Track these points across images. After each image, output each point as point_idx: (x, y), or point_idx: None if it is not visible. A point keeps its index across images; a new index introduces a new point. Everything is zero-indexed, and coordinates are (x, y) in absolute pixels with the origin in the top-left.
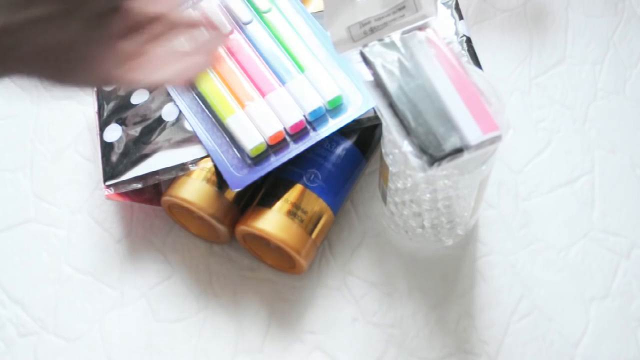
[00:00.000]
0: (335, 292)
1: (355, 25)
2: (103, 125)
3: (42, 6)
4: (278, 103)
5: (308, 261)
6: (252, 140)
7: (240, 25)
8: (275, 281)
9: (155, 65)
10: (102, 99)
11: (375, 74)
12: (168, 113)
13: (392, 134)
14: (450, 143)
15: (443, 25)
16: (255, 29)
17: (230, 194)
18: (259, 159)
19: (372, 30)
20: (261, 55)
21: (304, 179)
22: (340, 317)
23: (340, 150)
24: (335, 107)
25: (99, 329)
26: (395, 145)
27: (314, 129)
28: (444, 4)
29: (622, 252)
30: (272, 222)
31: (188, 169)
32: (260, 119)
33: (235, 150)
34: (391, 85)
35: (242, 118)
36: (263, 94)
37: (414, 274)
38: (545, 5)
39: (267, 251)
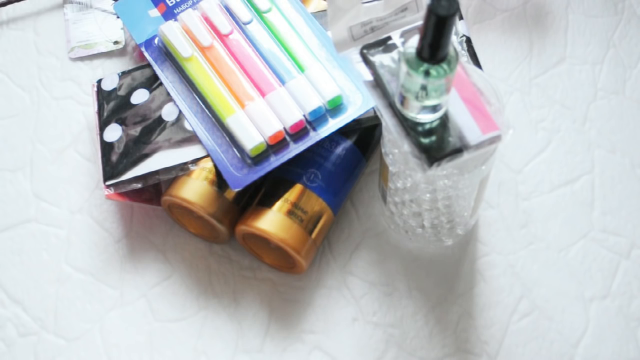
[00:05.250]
0: (335, 292)
1: (357, 25)
2: (103, 125)
3: None
4: (278, 103)
5: (308, 261)
6: (252, 140)
7: (240, 25)
8: (275, 281)
9: None
10: (102, 98)
11: (375, 74)
12: (168, 113)
13: (392, 134)
14: (450, 143)
15: None
16: (255, 29)
17: (230, 193)
18: (259, 158)
19: (373, 29)
20: (261, 55)
21: (304, 178)
22: (340, 317)
23: (340, 150)
24: (335, 107)
25: (99, 329)
26: (395, 145)
27: (314, 129)
28: None
29: (622, 252)
30: (272, 222)
31: (188, 168)
32: (260, 119)
33: (235, 150)
34: (391, 85)
35: (242, 118)
36: (263, 94)
37: (414, 274)
38: (545, 5)
39: (267, 251)
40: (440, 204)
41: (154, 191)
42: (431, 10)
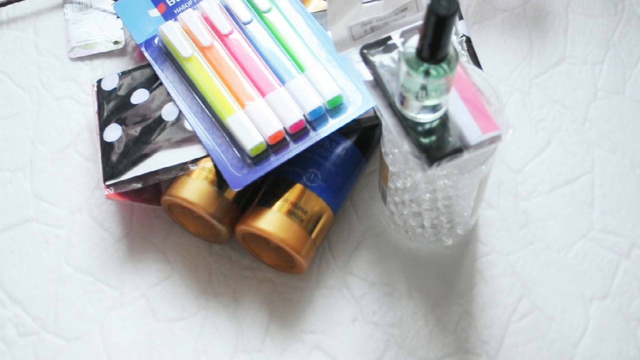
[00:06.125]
0: (335, 292)
1: (357, 25)
2: (103, 125)
3: None
4: (278, 103)
5: (308, 261)
6: (252, 140)
7: (240, 25)
8: (275, 281)
9: None
10: (102, 98)
11: (375, 74)
12: (168, 113)
13: (392, 134)
14: (450, 143)
15: None
16: (255, 29)
17: (230, 193)
18: (259, 158)
19: (373, 29)
20: (261, 55)
21: (304, 178)
22: (340, 317)
23: (340, 150)
24: (335, 107)
25: (99, 329)
26: (395, 145)
27: (314, 129)
28: None
29: (622, 252)
30: (272, 221)
31: (188, 168)
32: (260, 119)
33: (235, 150)
34: (391, 85)
35: (242, 118)
36: (263, 94)
37: (414, 274)
38: (545, 5)
39: (267, 251)
40: (440, 204)
41: (154, 191)
42: (431, 10)
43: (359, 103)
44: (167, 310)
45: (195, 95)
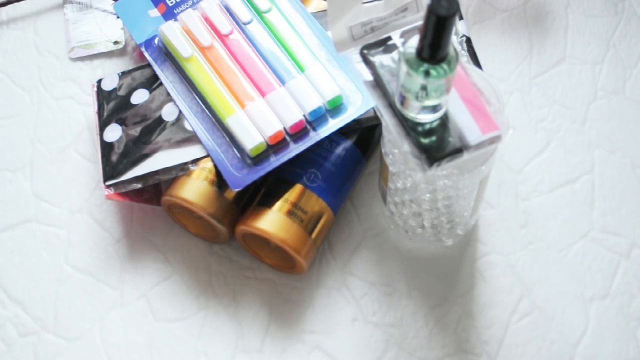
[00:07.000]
0: (335, 292)
1: (357, 25)
2: (103, 125)
3: None
4: (278, 103)
5: (308, 261)
6: (252, 140)
7: (240, 25)
8: (275, 281)
9: None
10: (102, 98)
11: (375, 74)
12: (168, 113)
13: (392, 134)
14: (450, 143)
15: None
16: (255, 29)
17: (230, 193)
18: (259, 158)
19: (373, 29)
20: (261, 55)
21: (304, 178)
22: (340, 317)
23: (340, 150)
24: (335, 107)
25: (99, 329)
26: (395, 145)
27: (314, 129)
28: None
29: (622, 252)
30: (272, 222)
31: (188, 169)
32: (260, 119)
33: (235, 150)
34: (391, 85)
35: (242, 118)
36: (263, 94)
37: (414, 274)
38: (545, 5)
39: (267, 251)
40: (440, 204)
41: (154, 191)
42: (431, 10)
43: (359, 103)
44: (167, 310)
45: (195, 95)
